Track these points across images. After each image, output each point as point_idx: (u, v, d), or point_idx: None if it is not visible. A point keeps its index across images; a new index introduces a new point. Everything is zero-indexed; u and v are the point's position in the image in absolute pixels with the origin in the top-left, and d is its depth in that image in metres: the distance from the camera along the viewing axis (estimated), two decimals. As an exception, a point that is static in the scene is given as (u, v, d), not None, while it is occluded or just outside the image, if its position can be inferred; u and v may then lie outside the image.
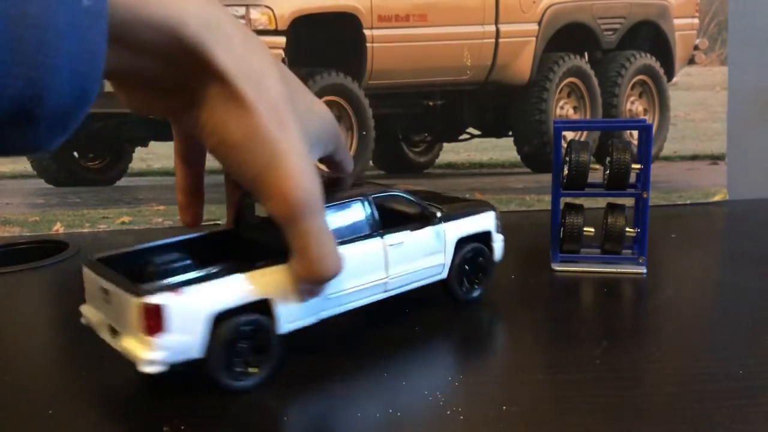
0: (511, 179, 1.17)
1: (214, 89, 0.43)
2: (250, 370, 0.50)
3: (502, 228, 0.71)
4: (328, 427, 0.48)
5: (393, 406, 0.49)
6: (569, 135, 1.08)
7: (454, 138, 1.18)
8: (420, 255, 0.62)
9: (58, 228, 1.07)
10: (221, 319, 0.48)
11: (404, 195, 0.62)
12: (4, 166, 1.12)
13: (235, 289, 0.48)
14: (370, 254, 0.57)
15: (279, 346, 0.52)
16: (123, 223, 1.07)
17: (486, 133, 1.18)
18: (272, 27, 1.08)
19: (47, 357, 0.60)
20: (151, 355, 0.45)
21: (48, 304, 0.78)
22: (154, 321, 0.44)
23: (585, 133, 1.15)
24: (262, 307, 0.50)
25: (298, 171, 0.44)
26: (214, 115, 0.44)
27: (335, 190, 0.57)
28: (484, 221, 0.67)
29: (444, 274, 0.65)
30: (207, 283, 0.47)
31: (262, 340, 0.51)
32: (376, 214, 0.58)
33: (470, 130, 1.18)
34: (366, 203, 0.57)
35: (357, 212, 0.57)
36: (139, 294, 0.45)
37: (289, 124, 0.44)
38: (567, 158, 0.79)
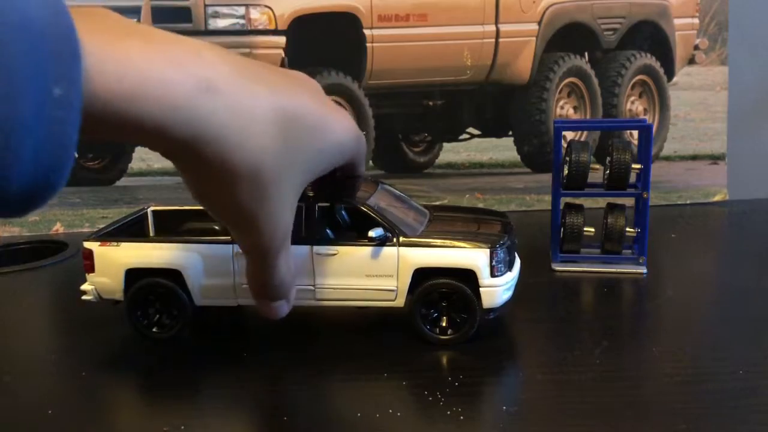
0: (511, 179, 1.16)
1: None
2: (154, 330, 0.60)
3: (521, 272, 0.62)
4: (328, 427, 0.48)
5: (393, 406, 0.48)
6: (569, 135, 1.08)
7: (454, 138, 1.18)
8: (361, 273, 0.59)
9: (58, 228, 1.07)
10: (137, 275, 0.59)
11: (365, 209, 0.58)
12: (4, 166, 1.12)
13: (150, 253, 0.59)
14: (296, 259, 0.57)
15: (189, 316, 0.60)
16: (123, 223, 1.07)
17: (486, 133, 1.18)
18: (272, 27, 1.08)
19: (47, 357, 0.60)
20: (87, 287, 0.60)
21: (48, 304, 0.78)
22: (87, 261, 0.59)
23: (585, 133, 1.15)
24: (177, 277, 0.59)
25: (271, 227, 0.43)
26: (187, 174, 0.40)
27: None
28: (466, 259, 0.57)
29: (398, 302, 0.59)
30: (132, 243, 0.59)
31: (173, 305, 0.60)
32: (314, 222, 0.58)
33: (470, 130, 1.18)
34: (303, 210, 0.58)
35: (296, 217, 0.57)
36: (84, 240, 0.60)
37: (270, 194, 0.41)
38: (567, 158, 0.79)
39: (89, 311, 0.67)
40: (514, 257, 0.62)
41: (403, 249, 0.58)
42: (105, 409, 0.51)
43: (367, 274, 0.59)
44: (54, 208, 1.09)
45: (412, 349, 0.59)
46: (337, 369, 0.55)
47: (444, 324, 0.60)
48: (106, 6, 1.14)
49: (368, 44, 1.10)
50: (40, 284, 0.83)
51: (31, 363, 0.60)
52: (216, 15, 1.10)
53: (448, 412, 0.48)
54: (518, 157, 1.17)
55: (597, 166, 0.87)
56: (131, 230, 0.65)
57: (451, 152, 1.18)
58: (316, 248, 0.58)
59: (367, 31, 1.10)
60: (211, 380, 0.54)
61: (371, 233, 0.58)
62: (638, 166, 0.77)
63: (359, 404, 0.50)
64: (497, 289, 0.58)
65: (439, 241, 0.58)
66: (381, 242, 0.58)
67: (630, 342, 0.60)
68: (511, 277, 0.60)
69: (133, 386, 0.54)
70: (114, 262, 0.59)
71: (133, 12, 1.13)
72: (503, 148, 1.17)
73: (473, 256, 0.57)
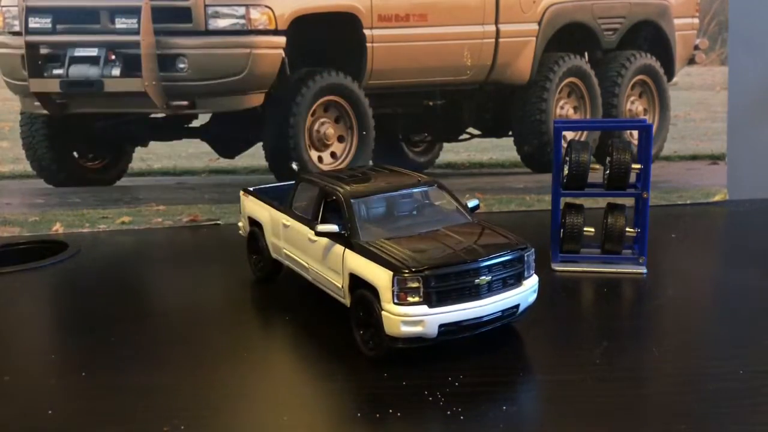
0: (511, 179, 1.16)
1: None
2: (257, 265, 0.74)
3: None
4: (328, 427, 0.48)
5: (393, 406, 0.48)
6: (569, 135, 1.08)
7: (454, 138, 1.18)
8: (324, 264, 0.59)
9: (58, 228, 1.07)
10: (251, 222, 0.75)
11: (342, 204, 0.57)
12: (3, 166, 1.12)
13: (254, 207, 0.74)
14: (298, 234, 0.63)
15: (268, 263, 0.72)
16: (123, 223, 1.07)
17: (486, 133, 1.18)
18: (272, 27, 1.08)
19: (47, 357, 0.60)
20: (240, 224, 0.80)
21: (47, 304, 0.78)
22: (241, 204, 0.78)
23: (585, 133, 1.15)
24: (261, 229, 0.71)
25: None
26: None
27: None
28: (373, 276, 0.52)
29: (347, 301, 0.58)
30: (254, 198, 0.74)
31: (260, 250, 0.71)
32: (325, 207, 0.61)
33: (470, 130, 1.18)
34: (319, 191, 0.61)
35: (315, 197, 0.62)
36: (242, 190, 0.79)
37: None
38: (567, 158, 0.79)
39: (89, 311, 0.67)
40: (479, 291, 0.50)
41: (348, 251, 0.56)
42: (105, 409, 0.51)
43: (327, 266, 0.60)
44: (54, 208, 1.09)
45: (412, 349, 0.59)
46: (338, 369, 0.55)
47: (361, 335, 0.56)
48: (103, 6, 1.13)
49: (368, 44, 1.10)
50: (40, 284, 0.83)
51: (31, 363, 0.60)
52: (216, 15, 1.10)
53: (448, 412, 0.48)
54: (518, 157, 1.17)
55: (597, 166, 0.87)
56: (275, 192, 0.74)
57: (451, 152, 1.18)
58: (309, 233, 0.61)
59: (367, 31, 1.10)
60: (211, 380, 0.54)
61: (321, 227, 0.57)
62: (638, 166, 0.77)
63: (359, 404, 0.50)
64: (395, 319, 0.50)
65: (376, 251, 0.53)
66: (333, 238, 0.58)
67: (630, 342, 0.60)
68: (432, 312, 0.49)
69: (133, 386, 0.54)
70: (245, 209, 0.73)
71: (133, 12, 1.13)
72: (503, 148, 1.17)
73: (378, 275, 0.51)
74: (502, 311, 0.52)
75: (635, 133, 1.07)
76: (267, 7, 1.08)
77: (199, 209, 1.02)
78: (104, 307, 0.66)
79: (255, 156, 1.12)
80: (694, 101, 1.19)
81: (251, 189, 0.74)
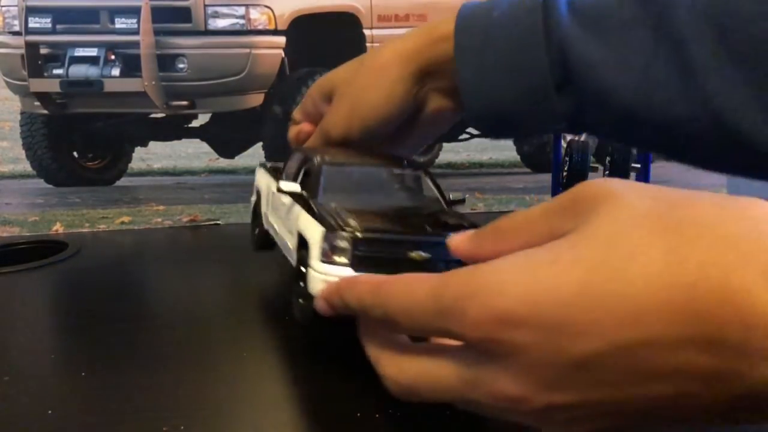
0: (511, 179, 1.17)
1: None
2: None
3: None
4: (328, 427, 0.48)
5: (393, 406, 0.48)
6: (569, 135, 1.08)
7: (454, 138, 1.18)
8: (285, 227, 0.53)
9: (58, 228, 1.07)
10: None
11: (314, 168, 0.53)
12: (3, 166, 1.12)
13: (259, 178, 0.65)
14: (278, 201, 0.56)
15: (263, 234, 0.64)
16: (123, 222, 1.07)
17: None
18: (272, 27, 1.08)
19: (47, 357, 0.60)
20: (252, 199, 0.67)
21: (47, 304, 0.78)
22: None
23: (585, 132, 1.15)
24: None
25: None
26: None
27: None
28: (310, 232, 0.51)
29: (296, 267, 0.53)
30: (262, 170, 0.63)
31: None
32: (304, 174, 0.56)
33: (470, 130, 1.18)
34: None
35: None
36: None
37: None
38: (567, 158, 0.79)
39: (89, 311, 0.67)
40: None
41: (302, 211, 0.50)
42: (105, 409, 0.51)
43: (287, 228, 0.54)
44: (54, 208, 1.09)
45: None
46: (337, 368, 0.55)
47: (296, 300, 0.50)
48: (103, 6, 1.12)
49: (368, 44, 1.10)
50: (39, 284, 0.83)
51: (31, 363, 0.60)
52: (216, 15, 1.10)
53: (448, 412, 0.48)
54: (518, 157, 1.17)
55: (597, 166, 0.87)
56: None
57: (451, 152, 1.18)
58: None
59: (366, 31, 1.10)
60: (211, 380, 0.54)
61: (283, 184, 0.51)
62: (638, 166, 0.77)
63: (359, 404, 0.50)
64: (318, 277, 0.43)
65: (323, 211, 0.47)
66: (295, 199, 0.52)
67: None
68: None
69: (133, 386, 0.54)
70: (255, 182, 0.66)
71: (133, 12, 1.13)
72: (503, 148, 1.17)
73: (312, 231, 0.47)
74: None
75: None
76: (267, 7, 1.08)
77: (199, 209, 1.02)
78: (104, 307, 0.67)
79: (255, 156, 1.13)
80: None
81: (267, 163, 0.76)
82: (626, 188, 0.19)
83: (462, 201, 0.53)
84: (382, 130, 0.40)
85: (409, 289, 0.24)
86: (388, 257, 0.41)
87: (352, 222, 0.45)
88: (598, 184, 0.19)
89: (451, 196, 0.54)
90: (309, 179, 0.56)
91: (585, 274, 0.17)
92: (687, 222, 0.18)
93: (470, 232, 0.26)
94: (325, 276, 0.44)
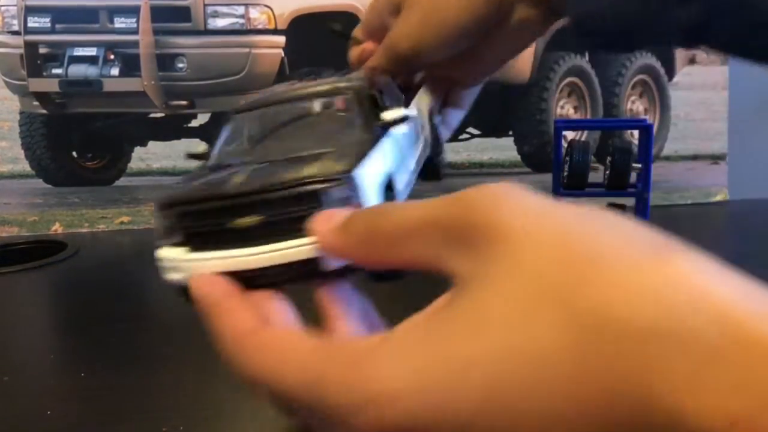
0: (511, 179, 1.16)
1: None
2: None
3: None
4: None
5: (394, 407, 0.48)
6: (570, 135, 1.08)
7: (454, 138, 1.18)
8: None
9: (57, 228, 1.07)
10: None
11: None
12: (2, 165, 1.11)
13: None
14: None
15: None
16: (122, 223, 1.07)
17: (486, 133, 1.17)
18: (272, 26, 1.08)
19: (47, 357, 0.60)
20: None
21: (47, 304, 0.77)
22: None
23: (585, 132, 1.15)
24: None
25: None
26: None
27: None
28: None
29: None
30: None
31: None
32: None
33: (470, 130, 1.18)
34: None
35: None
36: None
37: None
38: (567, 158, 0.78)
39: (89, 311, 0.67)
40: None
41: None
42: (104, 409, 0.51)
43: None
44: (53, 208, 1.09)
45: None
46: (338, 369, 0.55)
47: None
48: (102, 5, 1.12)
49: (368, 44, 1.10)
50: (39, 284, 0.83)
51: (31, 363, 0.59)
52: (215, 14, 1.10)
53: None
54: (518, 157, 1.17)
55: (597, 166, 0.87)
56: None
57: (451, 152, 1.17)
58: None
59: (367, 31, 1.10)
60: (211, 380, 0.54)
61: (192, 151, 0.40)
62: (639, 166, 0.77)
63: (360, 404, 0.50)
64: (159, 263, 0.32)
65: (188, 179, 0.37)
66: None
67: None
68: (191, 257, 0.31)
69: (133, 386, 0.53)
70: None
71: (132, 11, 1.13)
72: (503, 148, 1.17)
73: None
74: (290, 265, 0.31)
75: (636, 132, 1.07)
76: (266, 6, 1.08)
77: (199, 209, 1.02)
78: (104, 307, 0.66)
79: (254, 156, 1.12)
80: (695, 101, 1.19)
81: None
82: (524, 225, 0.17)
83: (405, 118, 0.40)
84: (459, 43, 0.34)
85: (280, 357, 0.21)
86: (217, 229, 0.31)
87: (186, 189, 0.33)
88: (492, 209, 0.17)
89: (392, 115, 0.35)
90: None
91: (489, 378, 0.15)
92: (596, 301, 0.16)
93: (342, 219, 0.21)
94: (163, 261, 0.33)
